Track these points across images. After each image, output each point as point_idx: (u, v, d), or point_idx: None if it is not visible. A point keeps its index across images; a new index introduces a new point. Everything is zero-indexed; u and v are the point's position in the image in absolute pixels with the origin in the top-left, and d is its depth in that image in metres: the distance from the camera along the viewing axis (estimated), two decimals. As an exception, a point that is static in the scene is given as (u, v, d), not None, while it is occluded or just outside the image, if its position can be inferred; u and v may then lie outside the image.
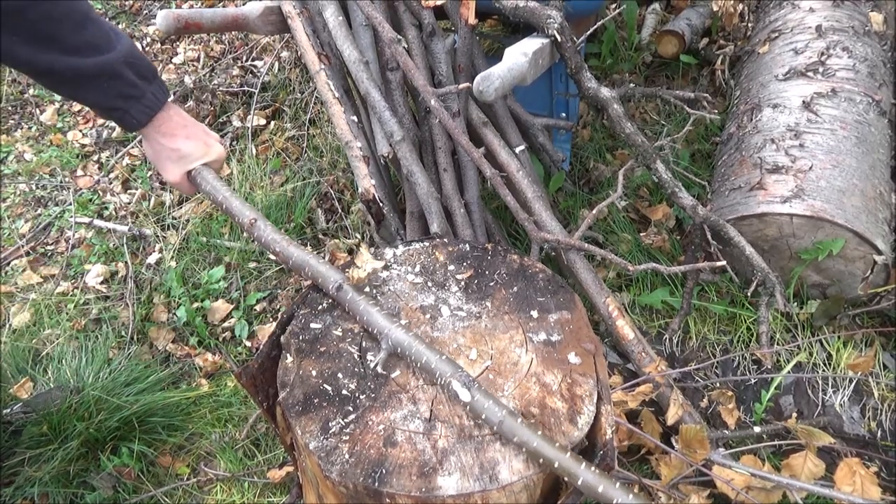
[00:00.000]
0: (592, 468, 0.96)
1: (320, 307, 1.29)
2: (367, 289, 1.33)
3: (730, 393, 1.93)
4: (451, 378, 1.05)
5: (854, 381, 1.97)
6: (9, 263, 3.13)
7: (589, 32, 2.27)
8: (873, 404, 1.93)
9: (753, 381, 2.03)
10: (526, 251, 2.47)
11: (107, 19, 1.21)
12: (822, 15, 2.54)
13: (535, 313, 1.27)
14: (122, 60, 1.19)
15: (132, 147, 3.74)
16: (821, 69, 2.34)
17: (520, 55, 1.95)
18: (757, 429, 1.90)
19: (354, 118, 2.22)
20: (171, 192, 3.33)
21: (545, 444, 0.97)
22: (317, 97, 3.47)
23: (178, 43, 4.45)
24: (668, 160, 2.62)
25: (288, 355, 1.19)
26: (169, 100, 1.31)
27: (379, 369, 1.14)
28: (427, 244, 1.45)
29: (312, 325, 1.24)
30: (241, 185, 3.10)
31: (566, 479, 0.97)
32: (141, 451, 2.16)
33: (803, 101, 2.27)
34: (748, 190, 2.16)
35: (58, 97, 4.31)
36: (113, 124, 3.90)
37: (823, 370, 2.00)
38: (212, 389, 2.42)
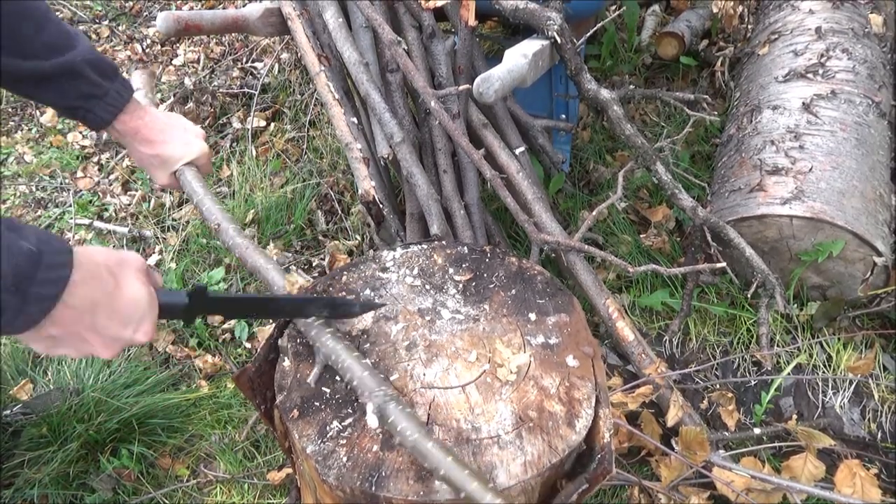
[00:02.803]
0: (499, 501, 0.87)
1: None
2: (368, 291, 1.33)
3: (730, 394, 1.93)
4: (368, 399, 1.02)
5: (854, 383, 1.97)
6: (9, 265, 3.12)
7: (589, 34, 2.26)
8: (873, 406, 1.93)
9: (753, 382, 2.03)
10: (526, 252, 2.47)
11: (64, 21, 1.17)
12: (821, 17, 2.54)
13: (533, 316, 1.26)
14: (83, 59, 1.17)
15: (132, 148, 3.73)
16: (820, 71, 2.34)
17: (520, 57, 1.95)
18: (757, 430, 1.90)
19: (354, 120, 2.22)
20: (170, 193, 3.33)
21: (455, 469, 0.91)
22: (317, 99, 3.47)
23: (178, 44, 4.46)
24: (667, 162, 2.61)
25: (286, 358, 1.19)
26: (137, 99, 1.29)
27: (311, 383, 1.12)
28: (425, 247, 1.45)
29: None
30: (241, 187, 3.10)
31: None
32: (140, 452, 2.16)
33: (803, 103, 2.27)
34: (748, 191, 2.16)
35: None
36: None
37: (823, 372, 2.00)
38: (211, 391, 2.41)
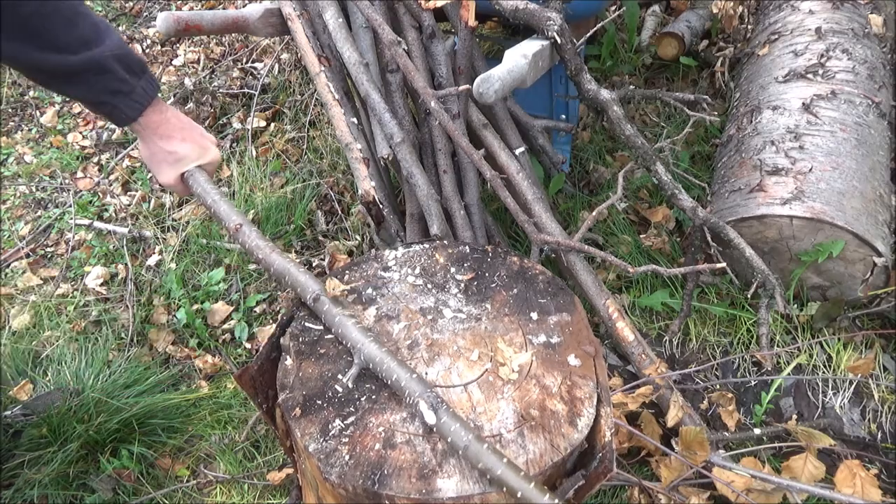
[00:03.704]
0: (556, 501, 0.91)
1: (320, 309, 1.28)
2: (370, 290, 1.33)
3: (730, 395, 1.93)
4: (418, 398, 1.02)
5: (854, 383, 1.97)
6: (9, 265, 3.13)
7: (589, 34, 2.27)
8: (873, 406, 1.93)
9: (753, 383, 2.03)
10: (526, 253, 2.47)
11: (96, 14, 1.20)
12: (821, 17, 2.54)
13: (535, 315, 1.27)
14: (112, 55, 1.18)
15: (132, 149, 3.74)
16: (820, 71, 2.35)
17: (520, 57, 1.95)
18: (757, 431, 1.90)
19: (354, 120, 2.22)
20: (170, 194, 3.33)
21: (510, 472, 0.93)
22: (317, 99, 3.47)
23: (178, 45, 4.46)
24: (667, 162, 2.61)
25: (288, 357, 1.19)
26: (159, 95, 1.30)
27: (349, 384, 1.12)
28: (427, 246, 1.45)
29: (312, 327, 1.24)
30: (241, 187, 3.10)
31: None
32: (141, 453, 2.15)
33: (803, 103, 2.27)
34: (748, 192, 2.16)
35: (58, 98, 4.31)
36: (113, 126, 3.90)
37: (823, 372, 2.00)
38: (211, 391, 2.41)
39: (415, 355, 1.18)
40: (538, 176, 2.46)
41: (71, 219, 3.32)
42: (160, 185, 1.38)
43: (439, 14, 2.29)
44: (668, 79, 3.33)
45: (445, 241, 1.47)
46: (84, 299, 2.81)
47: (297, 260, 2.83)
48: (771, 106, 2.36)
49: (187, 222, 3.10)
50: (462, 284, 1.34)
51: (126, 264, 2.97)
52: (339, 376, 1.15)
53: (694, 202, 2.10)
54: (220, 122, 3.72)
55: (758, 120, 2.36)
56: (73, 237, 3.21)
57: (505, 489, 0.93)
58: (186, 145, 1.35)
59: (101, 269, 2.98)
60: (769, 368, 2.02)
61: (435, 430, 1.01)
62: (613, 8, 3.03)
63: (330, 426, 1.06)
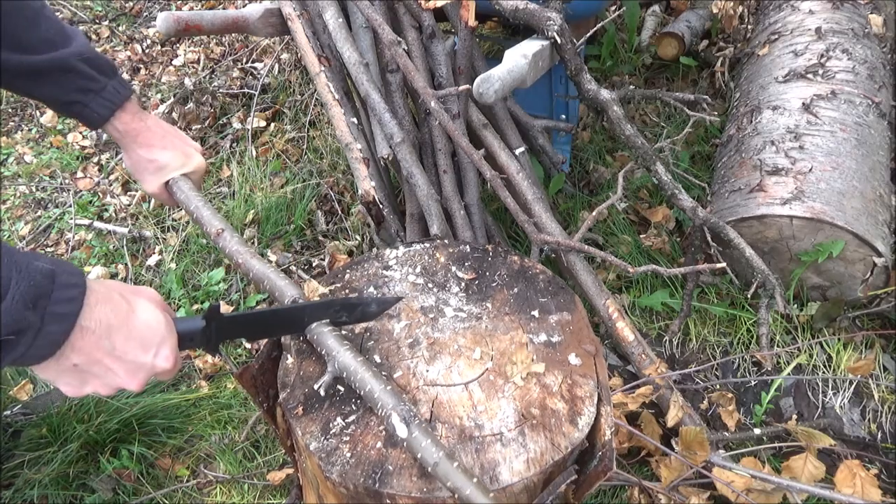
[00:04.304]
0: None
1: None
2: (371, 289, 1.33)
3: (730, 395, 1.93)
4: (391, 411, 0.98)
5: (854, 384, 1.97)
6: (8, 265, 3.12)
7: (589, 34, 2.27)
8: (873, 406, 1.93)
9: (753, 383, 2.03)
10: (526, 253, 2.47)
11: (61, 18, 1.18)
12: (821, 17, 2.54)
13: (535, 314, 1.27)
14: (78, 56, 1.17)
15: (132, 149, 3.73)
16: (820, 71, 2.35)
17: (520, 57, 1.95)
18: (757, 431, 1.90)
19: (354, 120, 2.22)
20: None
21: (478, 492, 0.89)
22: (317, 99, 3.48)
23: (178, 45, 4.46)
24: (667, 162, 2.62)
25: (288, 356, 1.19)
26: (134, 99, 1.28)
27: (321, 392, 1.09)
28: (428, 245, 1.45)
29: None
30: (242, 187, 3.10)
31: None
32: (140, 453, 2.15)
33: (803, 103, 2.28)
34: (748, 192, 2.16)
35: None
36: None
37: (823, 372, 2.00)
38: (211, 391, 2.41)
39: (415, 354, 1.18)
40: (538, 176, 2.46)
41: (71, 219, 3.32)
42: (147, 194, 1.33)
43: (439, 14, 2.29)
44: (668, 79, 3.34)
45: (446, 241, 1.47)
46: (84, 299, 2.80)
47: (296, 260, 2.83)
48: (771, 106, 2.36)
49: (187, 222, 3.10)
50: (463, 283, 1.34)
51: (126, 264, 2.97)
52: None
53: (694, 202, 2.10)
54: (220, 121, 3.72)
55: (758, 120, 2.36)
56: (73, 237, 3.21)
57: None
58: (168, 153, 1.33)
59: (101, 269, 2.98)
60: (769, 368, 2.02)
61: (405, 444, 0.97)
62: (613, 8, 3.04)
63: (331, 425, 1.06)
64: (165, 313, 0.96)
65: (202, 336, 1.02)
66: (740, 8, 3.13)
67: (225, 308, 2.70)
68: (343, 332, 1.14)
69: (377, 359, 1.17)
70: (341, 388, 1.12)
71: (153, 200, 3.34)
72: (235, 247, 1.31)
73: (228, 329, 1.06)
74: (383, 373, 1.12)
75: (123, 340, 0.88)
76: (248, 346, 2.57)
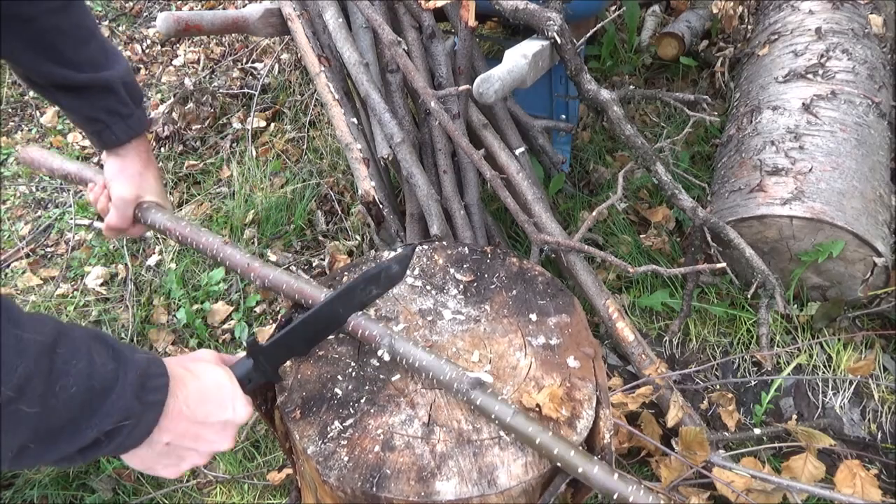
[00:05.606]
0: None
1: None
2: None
3: (730, 395, 1.93)
4: (463, 381, 1.04)
5: (854, 384, 1.97)
6: (9, 265, 3.13)
7: (589, 35, 2.26)
8: (873, 406, 1.93)
9: (753, 383, 2.03)
10: (526, 253, 2.47)
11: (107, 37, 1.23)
12: (821, 17, 2.54)
13: (534, 316, 1.26)
14: (119, 80, 1.22)
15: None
16: (820, 71, 2.34)
17: (520, 57, 1.95)
18: (757, 431, 1.90)
19: (354, 120, 2.22)
20: (170, 194, 3.33)
21: (553, 440, 0.97)
22: (317, 99, 3.47)
23: (178, 45, 4.46)
24: (667, 162, 2.61)
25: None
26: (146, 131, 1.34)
27: (385, 357, 1.14)
28: (426, 247, 1.45)
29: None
30: (241, 187, 3.10)
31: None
32: (141, 453, 2.15)
33: (803, 104, 2.27)
34: (748, 192, 2.16)
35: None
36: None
37: (823, 372, 2.00)
38: (211, 392, 2.41)
39: (414, 357, 1.18)
40: (538, 176, 2.46)
41: (71, 219, 3.32)
42: (118, 196, 1.34)
43: (439, 14, 2.29)
44: (668, 79, 3.33)
45: (444, 242, 1.47)
46: (84, 299, 2.81)
47: (296, 260, 2.83)
48: (771, 106, 2.36)
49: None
50: (461, 285, 1.34)
51: (126, 264, 2.97)
52: (338, 378, 1.15)
53: (694, 202, 2.10)
54: (220, 121, 3.72)
55: (758, 120, 2.36)
56: (73, 237, 3.21)
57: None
58: (158, 184, 1.39)
59: (101, 269, 2.98)
60: (769, 368, 2.01)
61: (479, 404, 1.03)
62: (613, 8, 3.03)
63: (328, 428, 1.06)
64: (224, 367, 0.99)
65: (256, 373, 1.03)
66: (740, 8, 3.13)
67: (224, 308, 2.70)
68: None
69: (375, 362, 1.17)
70: (339, 392, 1.12)
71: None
72: (242, 257, 1.31)
73: (275, 354, 1.07)
74: (381, 376, 1.12)
75: (202, 406, 0.91)
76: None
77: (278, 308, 2.70)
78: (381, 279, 1.17)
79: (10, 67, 1.18)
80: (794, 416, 1.94)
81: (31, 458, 0.73)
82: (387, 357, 1.14)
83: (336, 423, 1.07)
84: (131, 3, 5.02)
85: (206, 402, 0.92)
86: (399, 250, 1.28)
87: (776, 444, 1.88)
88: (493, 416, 1.02)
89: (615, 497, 0.94)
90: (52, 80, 1.17)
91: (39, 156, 1.57)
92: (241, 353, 1.05)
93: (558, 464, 0.97)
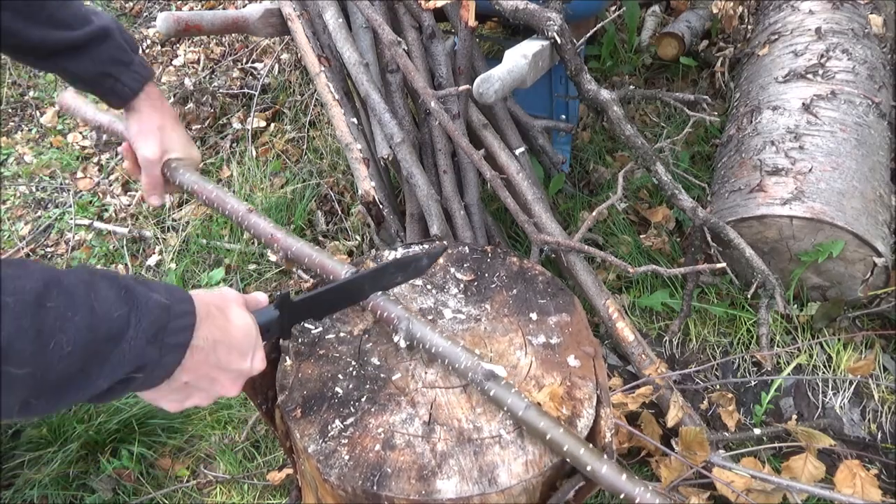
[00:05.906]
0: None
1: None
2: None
3: (730, 395, 1.93)
4: (477, 370, 1.06)
5: (854, 384, 1.97)
6: (9, 265, 3.12)
7: (589, 35, 2.27)
8: (873, 406, 1.93)
9: (753, 383, 2.03)
10: (526, 253, 2.47)
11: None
12: (821, 17, 2.54)
13: (534, 316, 1.26)
14: (113, 25, 1.21)
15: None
16: (820, 71, 2.35)
17: (520, 57, 1.95)
18: (757, 431, 1.90)
19: (354, 120, 2.22)
20: (170, 193, 3.32)
21: (566, 435, 0.98)
22: (317, 99, 3.47)
23: (178, 45, 4.46)
24: (667, 162, 2.61)
25: (287, 358, 1.19)
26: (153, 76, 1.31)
27: (401, 344, 1.15)
28: (427, 247, 1.45)
29: (311, 328, 1.24)
30: (241, 187, 3.10)
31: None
32: (140, 453, 2.16)
33: (803, 104, 2.27)
34: (748, 192, 2.16)
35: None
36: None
37: (823, 372, 2.00)
38: (211, 391, 2.41)
39: (414, 356, 1.18)
40: (538, 176, 2.46)
41: (71, 219, 3.32)
42: (143, 157, 1.31)
43: (439, 14, 2.29)
44: (668, 79, 3.33)
45: (444, 242, 1.47)
46: (84, 299, 2.80)
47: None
48: (771, 106, 2.36)
49: (187, 222, 3.10)
50: (461, 285, 1.34)
51: (126, 264, 2.97)
52: (338, 377, 1.15)
53: (694, 202, 2.10)
54: (220, 122, 3.72)
55: (758, 120, 2.36)
56: (73, 237, 3.21)
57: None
58: (178, 132, 1.35)
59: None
60: (769, 368, 2.02)
61: (492, 394, 1.04)
62: (613, 8, 3.03)
63: (329, 427, 1.06)
64: (250, 312, 0.97)
65: (277, 325, 1.04)
66: (740, 8, 3.13)
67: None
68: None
69: (376, 361, 1.18)
70: (339, 391, 1.12)
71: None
72: (266, 226, 1.37)
73: (298, 313, 1.08)
74: (382, 375, 1.12)
75: (226, 352, 0.89)
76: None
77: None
78: (409, 268, 1.20)
79: (8, 52, 1.16)
80: (794, 417, 1.94)
81: (39, 410, 0.71)
82: (403, 343, 1.15)
83: (337, 421, 1.07)
84: (131, 3, 5.02)
85: (231, 349, 0.89)
86: (435, 247, 1.34)
87: (776, 445, 1.88)
88: (505, 409, 1.03)
89: (622, 497, 0.94)
90: (53, 45, 1.16)
91: (75, 102, 1.62)
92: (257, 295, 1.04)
93: (567, 459, 0.98)
